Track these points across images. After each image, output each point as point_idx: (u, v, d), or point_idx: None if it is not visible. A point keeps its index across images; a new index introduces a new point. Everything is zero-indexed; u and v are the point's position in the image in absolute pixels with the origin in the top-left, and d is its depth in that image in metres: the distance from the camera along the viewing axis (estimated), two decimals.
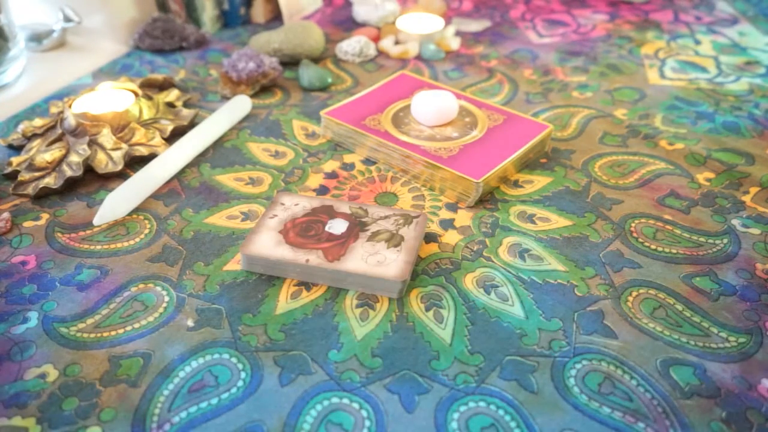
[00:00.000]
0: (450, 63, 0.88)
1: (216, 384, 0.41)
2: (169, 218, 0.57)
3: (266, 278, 0.50)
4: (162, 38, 0.89)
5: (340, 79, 0.83)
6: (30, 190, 0.58)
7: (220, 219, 0.57)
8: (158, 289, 0.49)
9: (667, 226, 0.57)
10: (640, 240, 0.55)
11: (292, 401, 0.40)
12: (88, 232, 0.55)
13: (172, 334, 0.45)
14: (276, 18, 1.04)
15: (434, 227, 0.56)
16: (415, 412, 0.40)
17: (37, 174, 0.59)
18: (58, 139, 0.62)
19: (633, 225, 0.57)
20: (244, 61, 0.77)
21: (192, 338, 0.45)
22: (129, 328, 0.45)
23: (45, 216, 0.57)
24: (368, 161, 0.66)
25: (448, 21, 1.04)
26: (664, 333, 0.46)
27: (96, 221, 0.55)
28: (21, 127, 0.67)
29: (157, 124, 0.68)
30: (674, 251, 0.54)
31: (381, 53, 0.91)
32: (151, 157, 0.64)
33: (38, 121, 0.67)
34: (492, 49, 0.93)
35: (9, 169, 0.61)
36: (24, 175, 0.59)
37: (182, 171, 0.63)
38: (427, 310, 0.47)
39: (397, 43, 0.93)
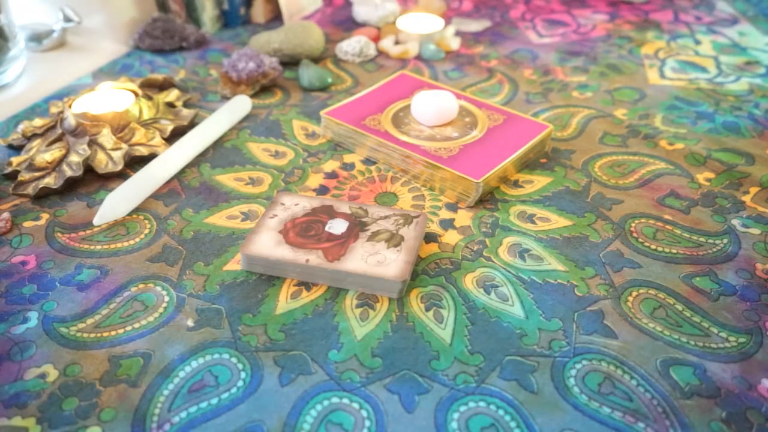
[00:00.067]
0: (450, 63, 0.88)
1: (216, 384, 0.41)
2: (169, 218, 0.57)
3: (266, 278, 0.50)
4: (162, 38, 0.89)
5: (340, 79, 0.83)
6: (30, 190, 0.58)
7: (220, 219, 0.57)
8: (158, 289, 0.49)
9: (667, 226, 0.57)
10: (640, 240, 0.55)
11: (292, 401, 0.40)
12: (88, 232, 0.55)
13: (172, 334, 0.45)
14: (276, 18, 1.04)
15: (434, 227, 0.56)
16: (415, 412, 0.40)
17: (37, 174, 0.59)
18: (58, 139, 0.62)
19: (633, 225, 0.57)
20: (244, 61, 0.77)
21: (192, 338, 0.45)
22: (129, 328, 0.45)
23: (45, 216, 0.57)
24: (368, 161, 0.66)
25: (448, 21, 1.04)
26: (664, 333, 0.46)
27: (96, 221, 0.55)
28: (21, 127, 0.67)
29: (157, 124, 0.68)
30: (674, 251, 0.54)
31: (381, 53, 0.91)
32: (151, 157, 0.64)
33: (38, 121, 0.67)
34: (492, 49, 0.93)
35: (9, 169, 0.61)
36: (24, 175, 0.59)
37: (182, 171, 0.63)
38: (427, 310, 0.47)
39: (397, 43, 0.93)
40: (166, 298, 0.48)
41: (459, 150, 0.61)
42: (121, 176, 0.62)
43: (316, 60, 0.88)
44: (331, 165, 0.65)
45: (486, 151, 0.61)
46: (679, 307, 0.48)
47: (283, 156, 0.66)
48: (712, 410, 0.40)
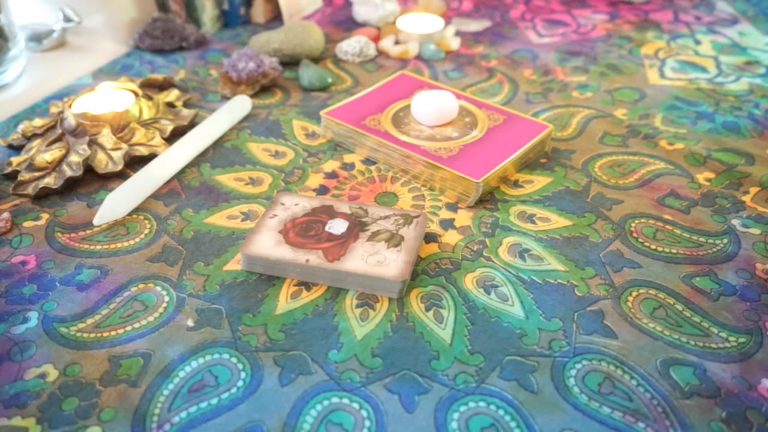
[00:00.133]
0: (450, 63, 0.88)
1: (216, 384, 0.41)
2: (169, 218, 0.57)
3: (266, 278, 0.50)
4: (162, 38, 0.89)
5: (340, 79, 0.83)
6: (30, 190, 0.58)
7: (220, 219, 0.57)
8: (158, 289, 0.49)
9: (667, 226, 0.57)
10: (640, 240, 0.55)
11: (292, 401, 0.40)
12: (88, 232, 0.55)
13: (172, 334, 0.45)
14: (276, 18, 1.04)
15: (434, 227, 0.56)
16: (415, 412, 0.40)
17: (37, 174, 0.59)
18: (58, 139, 0.62)
19: (633, 225, 0.57)
20: (244, 61, 0.77)
21: (192, 338, 0.45)
22: (129, 328, 0.45)
23: (45, 216, 0.57)
24: (368, 161, 0.66)
25: (448, 21, 1.04)
26: (664, 333, 0.46)
27: (96, 221, 0.55)
28: (21, 127, 0.67)
29: (157, 124, 0.68)
30: (674, 251, 0.54)
31: (381, 53, 0.91)
32: (151, 157, 0.64)
33: (38, 121, 0.67)
34: (492, 49, 0.93)
35: (9, 169, 0.61)
36: (24, 175, 0.59)
37: (182, 171, 0.63)
38: (427, 310, 0.47)
39: (397, 43, 0.93)
40: (166, 298, 0.48)
41: (459, 150, 0.61)
42: (121, 176, 0.62)
43: (316, 60, 0.88)
44: (331, 165, 0.65)
45: (486, 151, 0.61)
46: (679, 307, 0.48)
47: (283, 156, 0.66)
48: (712, 410, 0.40)
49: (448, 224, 0.56)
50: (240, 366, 0.43)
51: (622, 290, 0.49)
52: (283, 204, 0.55)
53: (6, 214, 0.55)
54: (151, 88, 0.76)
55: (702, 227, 0.57)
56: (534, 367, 0.43)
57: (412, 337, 0.45)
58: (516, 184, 0.62)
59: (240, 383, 0.41)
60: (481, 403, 0.40)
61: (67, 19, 0.84)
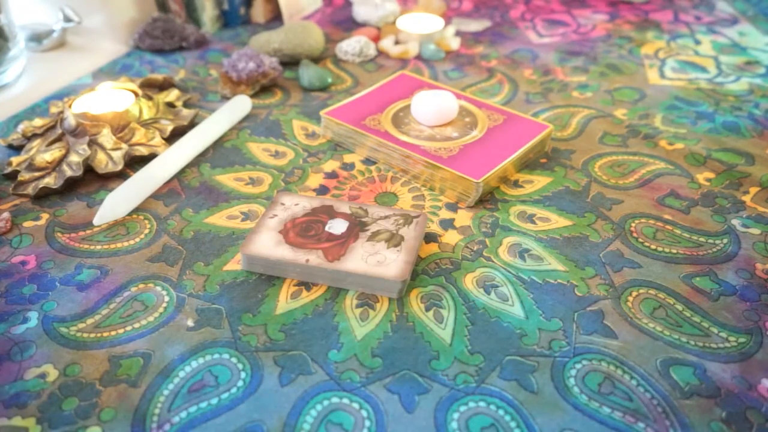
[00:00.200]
0: (450, 63, 0.88)
1: (216, 384, 0.41)
2: (169, 218, 0.57)
3: (266, 278, 0.50)
4: (162, 38, 0.89)
5: (340, 79, 0.83)
6: (30, 190, 0.58)
7: (220, 219, 0.57)
8: (158, 289, 0.49)
9: (667, 226, 0.57)
10: (640, 240, 0.55)
11: (292, 401, 0.40)
12: (88, 232, 0.55)
13: (172, 334, 0.45)
14: (276, 18, 1.04)
15: (434, 227, 0.56)
16: (415, 412, 0.40)
17: (37, 174, 0.59)
18: (58, 139, 0.62)
19: (633, 225, 0.57)
20: (244, 61, 0.77)
21: (192, 338, 0.45)
22: (129, 328, 0.45)
23: (45, 216, 0.57)
24: (368, 161, 0.66)
25: (448, 21, 1.04)
26: (664, 333, 0.46)
27: (96, 221, 0.55)
28: (21, 127, 0.67)
29: (157, 124, 0.68)
30: (674, 251, 0.54)
31: (381, 53, 0.91)
32: (151, 157, 0.64)
33: (38, 121, 0.67)
34: (492, 49, 0.93)
35: (9, 169, 0.61)
36: (24, 175, 0.59)
37: (182, 171, 0.63)
38: (427, 310, 0.47)
39: (397, 43, 0.93)
40: (166, 298, 0.48)
41: (459, 150, 0.61)
42: (121, 176, 0.62)
43: (316, 60, 0.88)
44: (331, 165, 0.65)
45: (486, 151, 0.61)
46: (679, 307, 0.48)
47: (283, 156, 0.66)
48: (712, 410, 0.40)
49: (448, 224, 0.56)
50: (240, 366, 0.43)
51: (622, 290, 0.49)
52: (283, 204, 0.55)
53: (6, 214, 0.55)
54: (151, 88, 0.76)
55: (702, 227, 0.57)
56: (534, 367, 0.43)
57: (412, 337, 0.45)
58: (516, 184, 0.62)
59: (240, 383, 0.41)
60: (481, 403, 0.40)
61: (67, 19, 0.84)
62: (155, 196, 0.60)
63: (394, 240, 0.51)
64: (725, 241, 0.55)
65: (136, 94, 0.70)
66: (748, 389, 0.41)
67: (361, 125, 0.65)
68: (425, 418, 0.39)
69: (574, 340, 0.45)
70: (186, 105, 0.76)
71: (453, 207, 0.59)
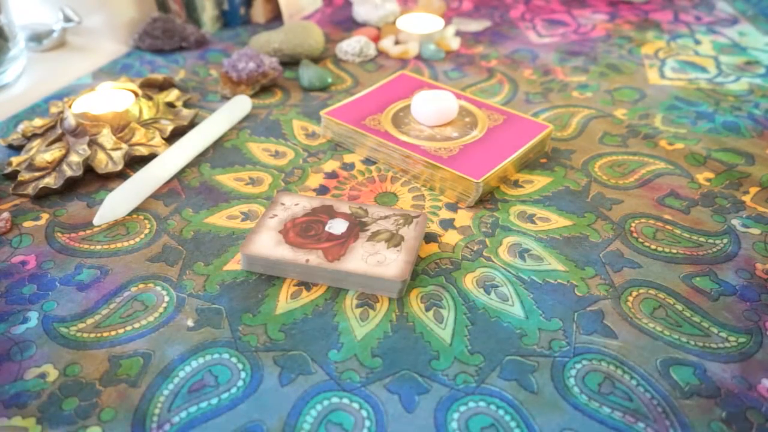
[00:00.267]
0: (450, 63, 0.88)
1: (216, 384, 0.41)
2: (169, 218, 0.57)
3: (266, 278, 0.50)
4: (162, 38, 0.89)
5: (340, 79, 0.83)
6: (30, 190, 0.58)
7: (220, 219, 0.57)
8: (158, 289, 0.49)
9: (667, 226, 0.57)
10: (640, 240, 0.55)
11: (292, 401, 0.40)
12: (88, 232, 0.55)
13: (172, 334, 0.45)
14: (276, 18, 1.04)
15: (434, 227, 0.56)
16: (415, 412, 0.40)
17: (37, 174, 0.59)
18: (58, 139, 0.62)
19: (633, 225, 0.57)
20: (244, 61, 0.77)
21: (192, 338, 0.45)
22: (129, 328, 0.45)
23: (45, 216, 0.57)
24: (368, 161, 0.66)
25: (448, 21, 1.04)
26: (664, 333, 0.46)
27: (96, 221, 0.55)
28: (21, 127, 0.67)
29: (157, 124, 0.68)
30: (674, 251, 0.54)
31: (381, 53, 0.91)
32: (151, 157, 0.64)
33: (38, 121, 0.67)
34: (492, 49, 0.93)
35: (9, 169, 0.61)
36: (24, 175, 0.59)
37: (182, 171, 0.63)
38: (427, 310, 0.47)
39: (397, 43, 0.93)
40: (166, 298, 0.48)
41: (459, 150, 0.61)
42: (121, 176, 0.62)
43: (316, 60, 0.88)
44: (331, 165, 0.65)
45: (486, 151, 0.61)
46: (679, 307, 0.48)
47: (283, 156, 0.66)
48: (712, 410, 0.40)
49: (448, 224, 0.56)
50: (240, 366, 0.43)
51: (622, 290, 0.49)
52: (283, 204, 0.55)
53: (6, 214, 0.55)
54: (151, 88, 0.76)
55: (702, 227, 0.57)
56: (534, 367, 0.43)
57: (412, 337, 0.45)
58: (516, 184, 0.62)
59: (240, 383, 0.41)
60: (481, 403, 0.40)
61: (67, 19, 0.84)
62: (155, 196, 0.60)
63: (394, 240, 0.51)
64: (725, 241, 0.55)
65: (136, 94, 0.70)
66: (748, 389, 0.41)
67: (361, 125, 0.65)
68: (425, 418, 0.39)
69: (574, 340, 0.45)
70: (186, 105, 0.76)
71: (453, 207, 0.59)
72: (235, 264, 0.51)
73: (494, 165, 0.59)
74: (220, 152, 0.67)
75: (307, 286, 0.49)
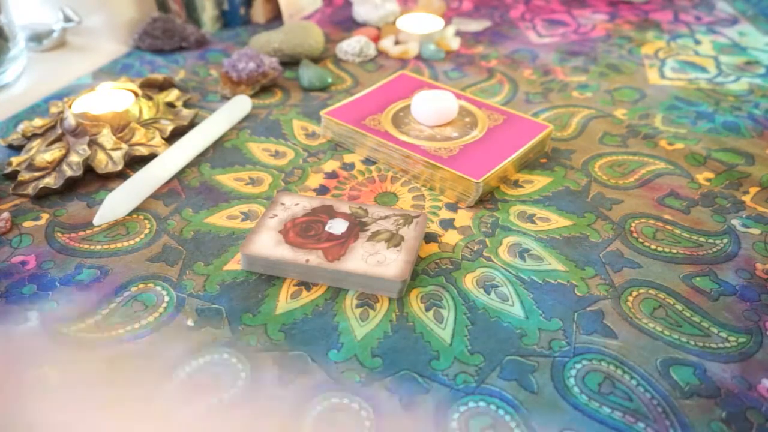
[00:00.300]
0: (450, 63, 0.88)
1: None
2: (169, 218, 0.57)
3: (266, 278, 0.50)
4: (162, 38, 0.89)
5: (340, 79, 0.83)
6: (30, 190, 0.58)
7: (220, 219, 0.57)
8: (158, 289, 0.49)
9: (667, 226, 0.57)
10: (640, 240, 0.55)
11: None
12: (88, 232, 0.55)
13: (172, 334, 0.45)
14: (276, 18, 1.04)
15: (434, 227, 0.56)
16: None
17: (37, 174, 0.59)
18: (58, 139, 0.62)
19: (633, 225, 0.57)
20: (244, 61, 0.77)
21: (192, 338, 0.45)
22: (129, 328, 0.45)
23: (45, 216, 0.57)
24: (368, 161, 0.66)
25: (448, 21, 1.04)
26: (664, 333, 0.46)
27: (96, 221, 0.55)
28: (21, 127, 0.67)
29: (157, 124, 0.68)
30: (674, 251, 0.54)
31: (381, 53, 0.91)
32: (151, 157, 0.64)
33: (38, 121, 0.67)
34: (492, 49, 0.93)
35: (9, 169, 0.61)
36: (24, 175, 0.59)
37: (182, 171, 0.63)
38: (427, 310, 0.47)
39: (397, 43, 0.93)
40: (166, 298, 0.48)
41: (459, 150, 0.61)
42: (121, 176, 0.62)
43: (316, 60, 0.88)
44: (331, 165, 0.65)
45: (486, 151, 0.61)
46: (679, 307, 0.48)
47: (283, 156, 0.66)
48: (712, 410, 0.40)
49: (448, 224, 0.56)
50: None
51: (622, 290, 0.49)
52: (283, 204, 0.55)
53: (6, 214, 0.55)
54: (151, 88, 0.76)
55: (702, 227, 0.57)
56: (534, 367, 0.43)
57: (412, 337, 0.45)
58: (516, 184, 0.62)
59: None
60: (481, 403, 0.40)
61: (67, 19, 0.84)
62: (155, 196, 0.60)
63: (394, 240, 0.51)
64: (725, 241, 0.55)
65: (136, 94, 0.70)
66: (748, 389, 0.41)
67: (361, 125, 0.65)
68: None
69: (574, 340, 0.45)
70: (186, 105, 0.76)
71: (453, 207, 0.59)
72: (235, 264, 0.51)
73: (494, 165, 0.59)
74: (220, 152, 0.67)
75: (307, 286, 0.49)
